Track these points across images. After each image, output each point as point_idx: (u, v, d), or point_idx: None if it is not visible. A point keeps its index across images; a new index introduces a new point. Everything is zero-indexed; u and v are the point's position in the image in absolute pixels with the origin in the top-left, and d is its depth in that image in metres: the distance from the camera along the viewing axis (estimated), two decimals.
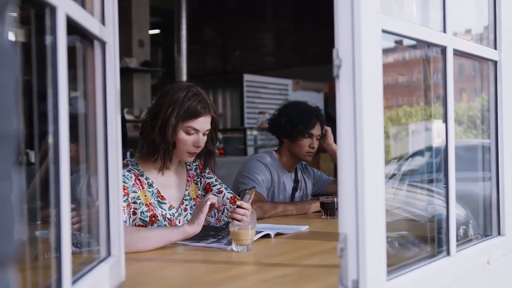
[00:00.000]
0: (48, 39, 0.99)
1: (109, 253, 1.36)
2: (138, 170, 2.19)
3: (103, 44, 1.32)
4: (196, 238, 1.98)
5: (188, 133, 2.15)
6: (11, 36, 0.58)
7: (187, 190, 2.31)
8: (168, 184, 2.25)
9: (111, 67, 1.35)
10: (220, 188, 2.36)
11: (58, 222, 0.99)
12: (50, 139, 0.98)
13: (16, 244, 0.58)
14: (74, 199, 1.14)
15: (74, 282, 1.07)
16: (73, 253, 1.06)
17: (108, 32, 1.34)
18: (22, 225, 0.60)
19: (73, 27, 1.09)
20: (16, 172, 0.57)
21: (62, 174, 0.99)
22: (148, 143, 2.16)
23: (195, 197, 2.33)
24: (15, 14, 0.61)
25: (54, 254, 1.02)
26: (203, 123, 2.17)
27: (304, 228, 2.32)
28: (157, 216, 2.15)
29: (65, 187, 1.00)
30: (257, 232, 2.01)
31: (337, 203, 2.62)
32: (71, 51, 1.08)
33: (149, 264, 1.75)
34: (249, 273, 1.62)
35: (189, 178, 2.34)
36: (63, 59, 1.00)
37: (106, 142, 1.35)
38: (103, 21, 1.33)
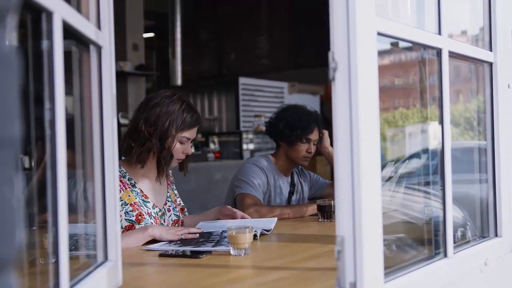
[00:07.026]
0: (44, 44, 0.98)
1: (106, 258, 1.35)
2: (120, 172, 2.22)
3: (99, 48, 1.32)
4: (193, 244, 1.97)
5: (181, 143, 2.27)
6: (12, 41, 0.59)
7: (168, 192, 2.41)
8: (151, 187, 2.33)
9: (107, 71, 1.35)
10: (170, 207, 2.42)
11: (56, 227, 0.99)
12: (47, 144, 0.98)
13: (18, 248, 0.58)
14: (70, 204, 1.14)
15: (71, 287, 1.07)
16: (70, 257, 1.06)
17: (104, 36, 1.34)
18: (22, 229, 0.60)
19: (69, 32, 1.09)
20: (17, 176, 0.58)
21: (59, 179, 0.99)
22: (145, 151, 2.22)
23: (174, 200, 2.44)
24: (16, 19, 0.61)
25: (50, 259, 1.02)
26: (195, 132, 2.32)
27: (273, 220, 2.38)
28: (143, 215, 2.22)
29: (62, 192, 1.00)
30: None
31: (334, 206, 2.62)
32: (66, 55, 1.08)
33: (145, 268, 1.75)
34: (247, 277, 1.61)
35: (169, 183, 2.45)
36: (60, 63, 1.00)
37: (103, 146, 1.34)
38: (98, 26, 1.33)
